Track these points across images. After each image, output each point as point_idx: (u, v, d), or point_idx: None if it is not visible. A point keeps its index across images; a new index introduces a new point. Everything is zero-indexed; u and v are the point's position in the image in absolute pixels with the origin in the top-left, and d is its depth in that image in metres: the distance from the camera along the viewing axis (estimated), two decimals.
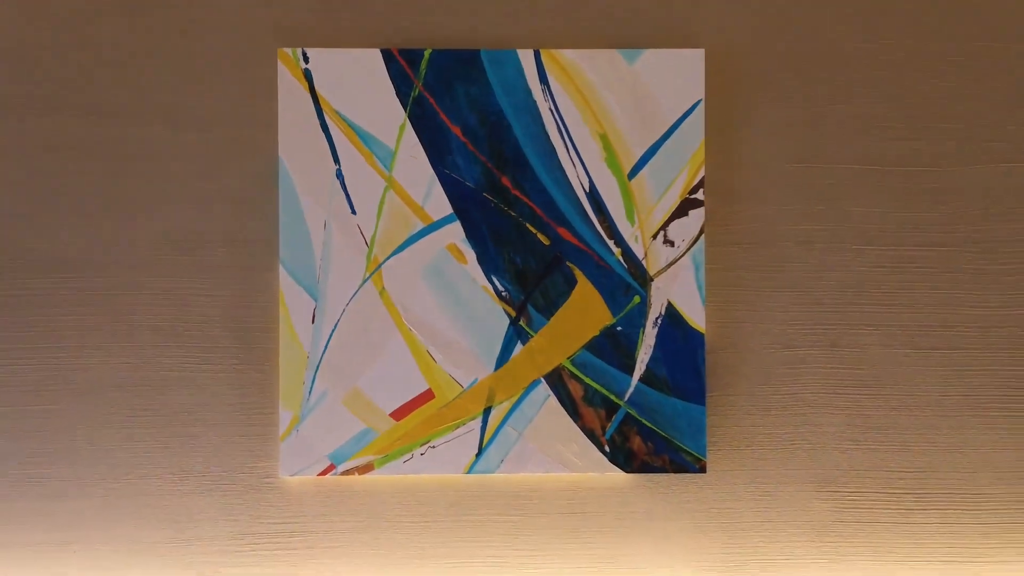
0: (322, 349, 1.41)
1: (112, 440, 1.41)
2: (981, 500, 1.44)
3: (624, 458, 1.42)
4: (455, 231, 1.42)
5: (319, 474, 1.41)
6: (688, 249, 1.42)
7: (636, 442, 1.42)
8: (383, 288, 1.42)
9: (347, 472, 1.41)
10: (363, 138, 1.41)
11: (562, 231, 1.42)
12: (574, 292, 1.43)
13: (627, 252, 1.43)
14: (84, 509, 1.40)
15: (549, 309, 1.43)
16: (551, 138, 1.42)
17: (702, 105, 1.41)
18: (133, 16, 1.42)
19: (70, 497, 1.40)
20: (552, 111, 1.42)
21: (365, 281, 1.42)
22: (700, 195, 1.42)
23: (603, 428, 1.42)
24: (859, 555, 1.44)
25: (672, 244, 1.43)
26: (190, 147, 1.42)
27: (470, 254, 1.42)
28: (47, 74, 1.41)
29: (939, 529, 1.44)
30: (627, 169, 1.42)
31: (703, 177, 1.42)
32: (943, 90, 1.44)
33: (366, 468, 1.41)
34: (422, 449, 1.42)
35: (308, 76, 1.41)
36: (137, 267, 1.42)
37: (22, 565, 1.40)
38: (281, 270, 1.41)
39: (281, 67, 1.40)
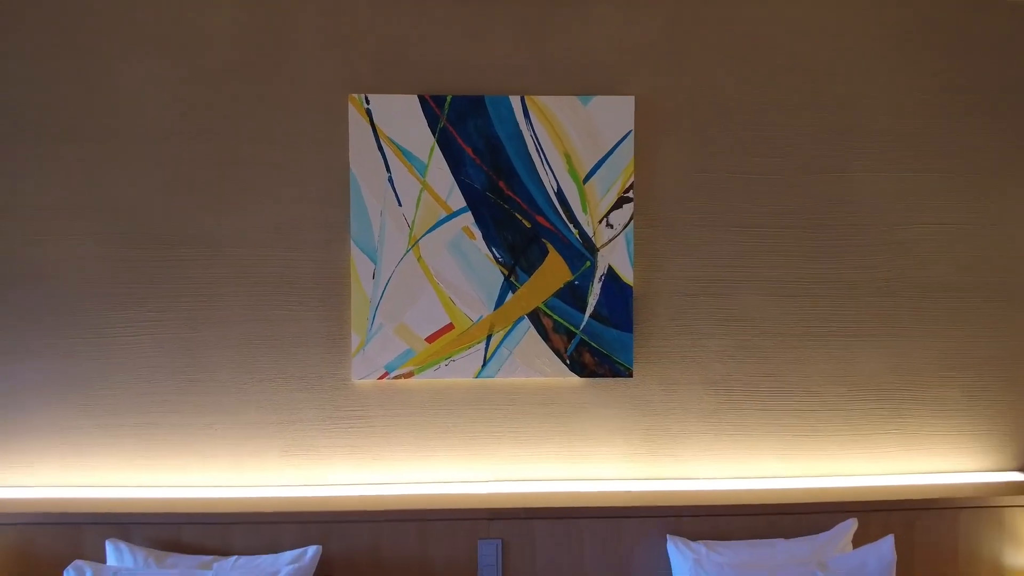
0: (379, 296, 2.10)
1: (240, 356, 2.10)
2: (813, 395, 2.18)
3: (579, 368, 2.13)
4: (468, 218, 2.10)
5: (378, 378, 2.11)
6: (622, 230, 2.12)
7: (587, 357, 2.13)
8: (420, 256, 2.10)
9: (396, 377, 2.11)
10: (406, 155, 2.09)
11: (539, 218, 2.11)
12: (547, 259, 2.12)
13: (582, 232, 2.12)
14: (222, 402, 2.10)
15: (530, 270, 2.12)
16: (532, 155, 2.10)
17: (632, 134, 2.10)
18: (252, 72, 2.08)
19: (213, 393, 2.10)
20: (532, 137, 2.10)
21: (408, 251, 2.10)
22: (631, 194, 2.11)
23: (565, 348, 2.13)
24: (734, 431, 2.17)
25: (612, 227, 2.12)
26: (291, 161, 2.09)
27: (478, 233, 2.10)
28: (195, 112, 2.08)
29: (785, 413, 2.17)
30: (582, 176, 2.11)
31: (632, 182, 2.11)
32: (794, 124, 2.15)
33: (408, 375, 2.11)
34: (446, 362, 2.12)
35: (369, 113, 2.08)
36: (254, 242, 2.10)
37: (182, 440, 2.10)
38: (352, 243, 2.09)
39: (351, 107, 2.07)
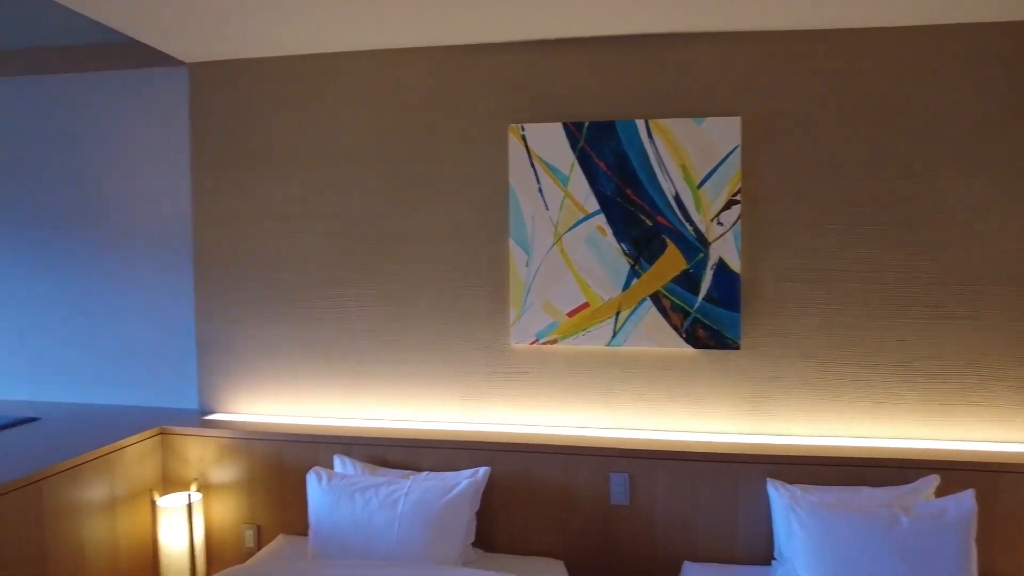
0: (531, 280, 2.68)
1: (429, 324, 2.77)
2: (900, 369, 2.48)
3: (693, 340, 2.60)
4: (601, 219, 2.63)
5: (530, 344, 2.69)
6: (731, 227, 2.55)
7: (700, 332, 2.59)
8: (563, 248, 2.66)
9: (544, 343, 2.68)
10: (552, 170, 2.65)
11: (659, 218, 2.60)
12: (666, 251, 2.60)
13: (696, 229, 2.58)
14: (417, 357, 2.78)
15: (651, 260, 2.61)
16: (653, 167, 2.58)
17: (739, 148, 2.52)
18: (438, 109, 2.72)
19: (410, 351, 2.79)
20: (654, 152, 2.57)
21: (553, 245, 2.66)
22: (738, 198, 2.54)
23: (681, 324, 2.60)
24: (827, 395, 2.54)
25: (722, 224, 2.56)
26: (466, 176, 2.72)
27: (609, 231, 2.62)
28: (395, 141, 2.75)
29: (874, 383, 2.51)
30: (696, 183, 2.57)
31: (740, 188, 2.54)
32: (878, 139, 2.46)
33: (553, 341, 2.68)
34: (583, 333, 2.66)
35: (524, 138, 2.65)
36: (439, 237, 2.75)
37: (387, 385, 2.81)
38: (511, 240, 2.68)
39: (510, 134, 2.66)
